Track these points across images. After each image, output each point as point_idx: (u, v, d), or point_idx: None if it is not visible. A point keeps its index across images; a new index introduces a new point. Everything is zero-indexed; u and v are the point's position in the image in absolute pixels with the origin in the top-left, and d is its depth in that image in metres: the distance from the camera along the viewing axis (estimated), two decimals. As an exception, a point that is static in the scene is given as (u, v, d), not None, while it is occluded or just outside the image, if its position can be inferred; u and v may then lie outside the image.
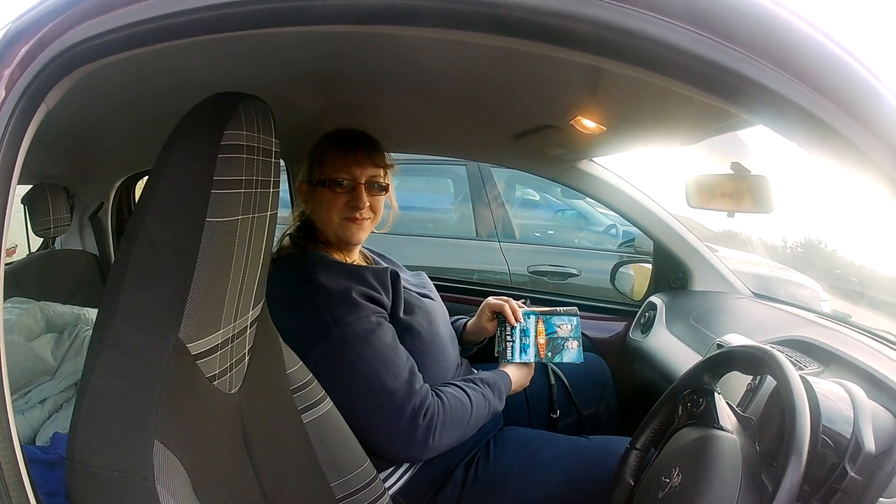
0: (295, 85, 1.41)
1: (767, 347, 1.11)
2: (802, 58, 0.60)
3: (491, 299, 1.84)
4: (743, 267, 2.33)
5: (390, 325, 1.46)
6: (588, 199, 4.56)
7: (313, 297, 1.40)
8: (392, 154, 1.62)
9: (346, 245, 1.59)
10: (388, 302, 1.48)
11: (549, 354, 1.74)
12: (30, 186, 2.12)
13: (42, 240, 2.38)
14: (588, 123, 1.38)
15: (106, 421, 0.72)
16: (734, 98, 0.64)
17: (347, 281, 1.43)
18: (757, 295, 2.22)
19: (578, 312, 1.79)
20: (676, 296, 2.28)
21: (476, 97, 1.45)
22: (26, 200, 2.11)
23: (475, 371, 1.76)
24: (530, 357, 1.74)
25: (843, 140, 0.61)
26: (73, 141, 1.76)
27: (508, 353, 1.75)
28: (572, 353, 1.74)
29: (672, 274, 2.34)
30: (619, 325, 2.47)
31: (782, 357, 1.05)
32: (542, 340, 1.76)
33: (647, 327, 2.21)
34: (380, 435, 1.36)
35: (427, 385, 1.43)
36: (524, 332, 1.77)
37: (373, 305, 1.44)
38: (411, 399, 1.38)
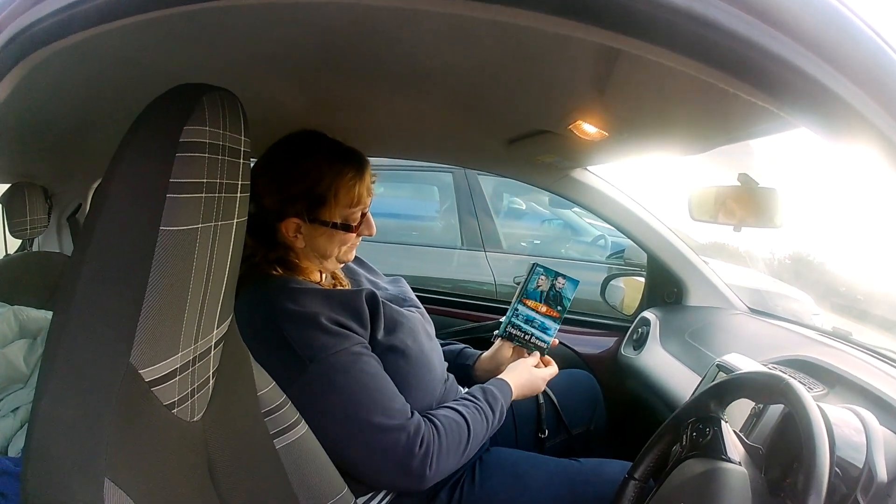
0: (273, 80, 1.30)
1: (782, 375, 1.04)
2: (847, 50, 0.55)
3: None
4: (732, 280, 2.28)
5: (372, 353, 1.34)
6: (576, 210, 4.54)
7: (279, 330, 1.26)
8: (377, 159, 1.52)
9: (340, 265, 1.51)
10: (363, 330, 1.35)
11: (560, 308, 1.73)
12: (7, 186, 2.05)
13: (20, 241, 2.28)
14: (588, 129, 1.28)
15: (55, 453, 0.64)
16: (773, 89, 0.57)
17: (316, 308, 1.30)
18: (753, 310, 2.17)
19: (535, 260, 1.81)
20: (671, 311, 2.22)
21: (469, 98, 1.35)
22: (3, 200, 2.03)
23: (461, 389, 1.67)
24: (554, 328, 1.73)
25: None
26: (50, 139, 1.69)
27: (542, 345, 1.72)
28: (568, 286, 1.74)
29: (666, 288, 2.28)
30: (609, 341, 2.40)
31: (799, 386, 0.99)
32: (543, 309, 1.73)
33: (639, 343, 2.15)
34: (373, 472, 1.25)
35: (418, 414, 1.32)
36: (529, 320, 1.73)
37: (350, 334, 1.31)
38: (404, 431, 1.26)
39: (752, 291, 2.33)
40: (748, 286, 2.37)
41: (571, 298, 1.72)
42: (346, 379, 1.26)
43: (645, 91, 0.99)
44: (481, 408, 1.42)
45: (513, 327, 1.74)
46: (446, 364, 1.64)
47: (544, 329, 1.72)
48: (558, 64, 1.00)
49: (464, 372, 1.79)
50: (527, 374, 1.62)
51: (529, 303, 1.74)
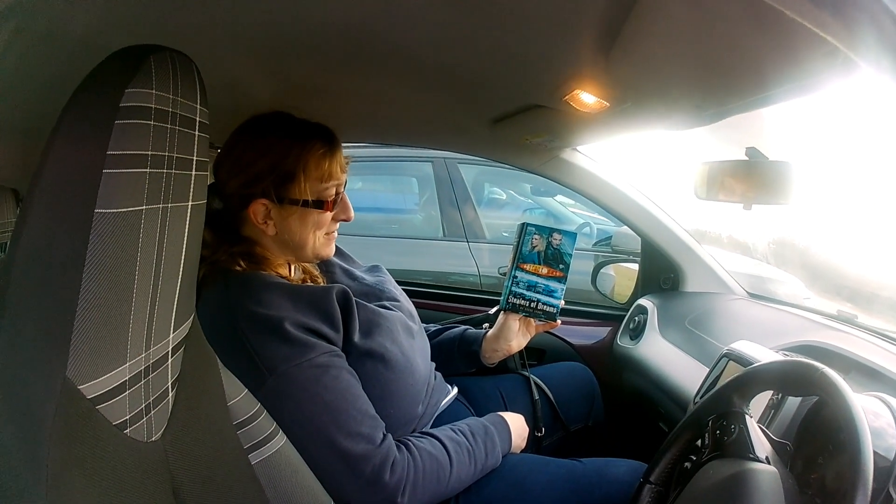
0: (242, 63, 1.21)
1: (816, 364, 0.95)
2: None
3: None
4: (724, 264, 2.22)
5: (342, 362, 1.23)
6: (559, 198, 4.46)
7: (240, 336, 1.15)
8: (352, 151, 1.41)
9: (316, 260, 1.39)
10: (335, 333, 1.24)
11: (562, 266, 1.62)
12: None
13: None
14: (587, 99, 1.16)
15: None
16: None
17: (282, 311, 1.19)
18: (753, 295, 2.10)
19: (522, 222, 1.67)
20: (668, 298, 2.14)
21: (451, 75, 1.25)
22: None
23: (450, 387, 1.58)
24: (560, 289, 1.62)
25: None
26: (19, 138, 1.56)
27: (551, 310, 1.63)
28: (565, 241, 1.63)
29: (662, 274, 2.20)
30: (603, 331, 2.31)
31: (836, 376, 0.90)
32: (544, 271, 1.62)
33: (636, 333, 2.07)
34: (338, 495, 1.12)
35: (390, 439, 1.22)
36: (531, 286, 1.63)
37: (317, 341, 1.21)
38: (371, 459, 1.16)
39: (742, 276, 2.26)
40: (737, 271, 2.31)
41: (572, 253, 1.62)
42: (306, 396, 1.16)
43: (658, 49, 0.87)
44: (472, 446, 1.34)
45: (515, 297, 1.63)
46: (433, 364, 1.55)
47: (550, 292, 1.62)
48: (557, 26, 0.89)
49: (471, 358, 1.71)
50: (522, 427, 1.53)
51: (528, 267, 1.63)
